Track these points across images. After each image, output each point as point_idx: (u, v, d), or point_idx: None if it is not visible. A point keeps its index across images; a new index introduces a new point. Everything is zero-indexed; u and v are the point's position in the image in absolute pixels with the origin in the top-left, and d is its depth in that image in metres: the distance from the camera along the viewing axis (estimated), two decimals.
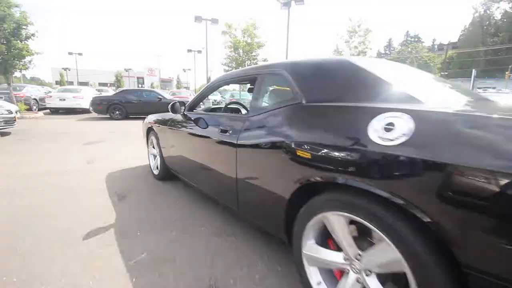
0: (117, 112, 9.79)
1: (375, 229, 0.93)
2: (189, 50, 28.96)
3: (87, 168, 3.55)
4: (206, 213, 2.24)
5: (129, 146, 4.98)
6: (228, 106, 2.81)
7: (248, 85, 2.54)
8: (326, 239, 1.22)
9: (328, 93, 1.26)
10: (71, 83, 40.28)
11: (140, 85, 46.30)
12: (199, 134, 2.06)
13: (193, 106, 2.39)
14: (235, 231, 1.94)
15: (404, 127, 0.88)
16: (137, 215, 2.17)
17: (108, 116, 9.78)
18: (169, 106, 2.31)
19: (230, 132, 1.65)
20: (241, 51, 15.80)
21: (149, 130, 3.19)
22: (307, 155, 1.13)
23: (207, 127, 2.01)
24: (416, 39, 57.43)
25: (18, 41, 9.78)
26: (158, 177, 3.07)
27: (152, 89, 12.35)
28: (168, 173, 2.92)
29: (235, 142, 1.57)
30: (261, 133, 1.44)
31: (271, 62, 1.64)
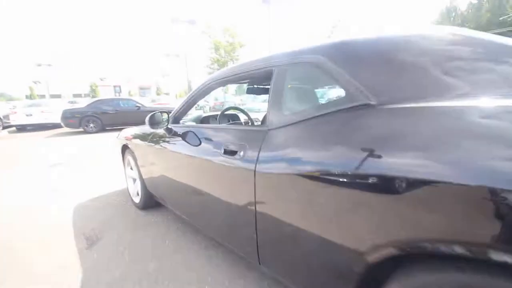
0: (91, 125, 8.92)
1: None
2: (167, 55, 28.02)
3: (49, 200, 2.86)
4: (206, 256, 1.67)
5: (104, 165, 4.28)
6: (225, 113, 2.24)
7: (246, 85, 1.98)
8: None
9: (423, 87, 0.74)
10: (42, 96, 37.88)
11: (117, 94, 44.40)
12: (191, 155, 1.50)
13: (179, 116, 1.81)
14: (250, 286, 1.38)
15: None
16: (112, 274, 1.56)
17: (82, 129, 8.90)
18: (147, 119, 1.71)
19: (242, 153, 1.10)
20: (222, 51, 15.13)
21: (125, 148, 2.57)
22: (417, 198, 0.61)
23: (201, 144, 1.45)
24: None
25: None
26: (140, 206, 2.46)
27: (129, 97, 11.48)
28: (152, 200, 2.33)
29: (253, 169, 1.02)
30: (300, 156, 0.90)
31: (296, 47, 1.09)
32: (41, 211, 2.53)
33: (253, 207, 1.07)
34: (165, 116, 1.75)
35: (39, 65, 32.32)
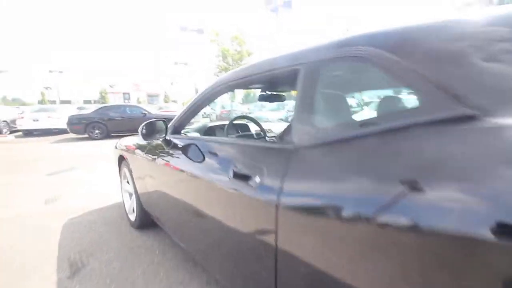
0: (96, 131, 8.80)
1: None
2: (176, 63, 28.33)
3: (41, 211, 2.62)
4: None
5: (105, 175, 4.05)
6: (234, 123, 1.96)
7: (259, 91, 1.71)
8: None
9: None
10: (53, 102, 38.61)
11: (126, 101, 45.02)
12: (192, 174, 1.23)
13: (180, 125, 1.55)
14: None
15: None
16: None
17: (87, 136, 8.79)
18: (140, 129, 1.45)
19: (258, 179, 0.82)
20: (230, 59, 15.05)
21: (121, 159, 2.32)
22: None
23: (205, 161, 1.18)
24: None
25: None
26: (135, 225, 2.19)
27: (135, 104, 11.42)
28: (148, 219, 2.05)
29: (274, 202, 0.74)
30: (349, 189, 0.61)
31: (334, 38, 0.81)
32: (26, 226, 2.28)
33: (273, 251, 0.78)
34: (163, 125, 1.49)
35: (51, 71, 33.05)
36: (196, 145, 1.29)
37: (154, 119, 1.50)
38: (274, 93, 1.64)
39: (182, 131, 1.63)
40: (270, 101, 1.70)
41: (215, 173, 1.06)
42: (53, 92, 40.18)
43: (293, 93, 2.76)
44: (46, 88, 40.54)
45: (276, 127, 2.27)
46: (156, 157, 1.61)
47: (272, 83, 1.45)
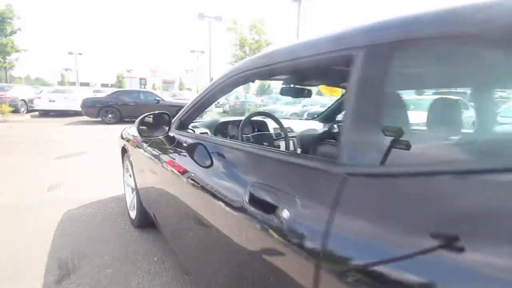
0: (109, 115, 8.77)
1: None
2: (192, 51, 28.05)
3: (43, 200, 2.49)
4: None
5: (112, 162, 3.90)
6: (252, 119, 1.67)
7: (281, 83, 1.43)
8: None
9: None
10: (72, 83, 39.50)
11: (143, 86, 45.45)
12: (198, 181, 0.99)
13: (187, 120, 1.30)
14: None
15: None
16: None
17: (100, 119, 8.78)
18: (137, 122, 1.22)
19: (286, 215, 0.57)
20: (247, 48, 14.62)
21: (124, 151, 2.13)
22: None
23: (213, 170, 0.94)
24: None
25: (2, 36, 8.82)
26: (135, 224, 2.00)
27: (149, 90, 11.36)
28: (148, 219, 1.85)
29: (316, 253, 0.49)
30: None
31: (408, 11, 0.53)
32: (24, 216, 2.14)
33: None
34: (166, 119, 1.25)
35: (71, 53, 33.56)
36: (205, 147, 1.05)
37: (156, 112, 1.26)
38: (301, 87, 1.36)
39: (190, 126, 1.39)
40: (294, 96, 1.42)
41: (226, 189, 0.82)
42: (73, 74, 41.00)
43: (320, 88, 2.45)
44: (66, 69, 41.41)
45: (296, 126, 2.00)
46: (157, 154, 1.39)
47: (301, 75, 1.16)
